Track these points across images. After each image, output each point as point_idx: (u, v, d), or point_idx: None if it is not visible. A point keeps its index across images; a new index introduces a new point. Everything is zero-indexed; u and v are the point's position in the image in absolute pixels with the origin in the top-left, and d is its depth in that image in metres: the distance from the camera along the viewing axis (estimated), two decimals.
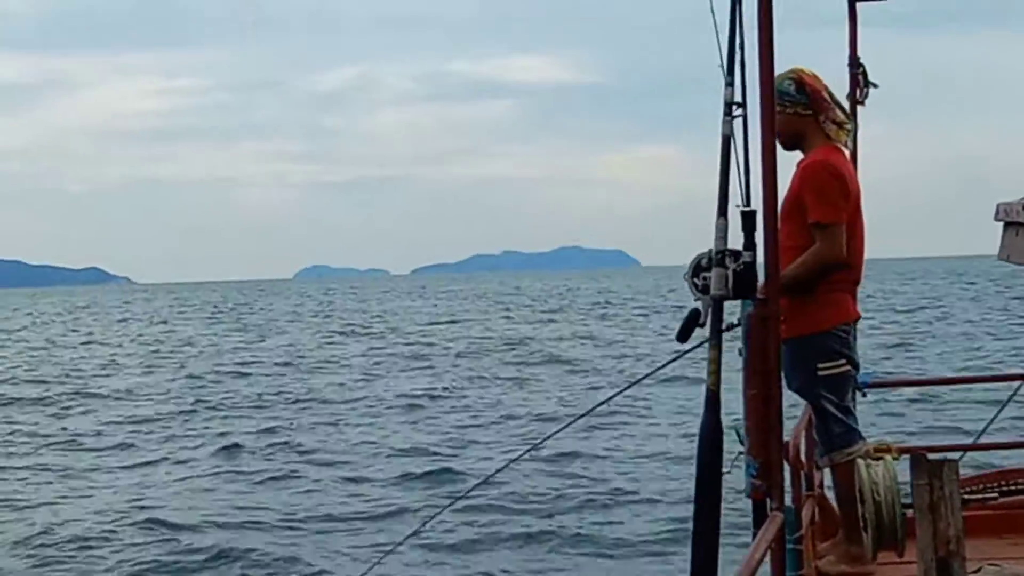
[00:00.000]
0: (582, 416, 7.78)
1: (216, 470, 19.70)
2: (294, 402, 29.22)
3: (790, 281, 6.17)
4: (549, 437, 7.97)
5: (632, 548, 13.90)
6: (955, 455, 6.90)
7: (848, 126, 6.71)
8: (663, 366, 6.75)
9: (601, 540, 14.33)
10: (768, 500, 4.86)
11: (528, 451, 8.46)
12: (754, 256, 4.91)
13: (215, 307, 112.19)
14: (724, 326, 5.02)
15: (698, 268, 4.95)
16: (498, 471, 9.31)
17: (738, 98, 4.89)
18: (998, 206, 5.16)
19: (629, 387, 7.32)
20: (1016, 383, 8.57)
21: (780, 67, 4.98)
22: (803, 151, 6.52)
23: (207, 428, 24.88)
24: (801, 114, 6.47)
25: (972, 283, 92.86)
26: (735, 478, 5.07)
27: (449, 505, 9.63)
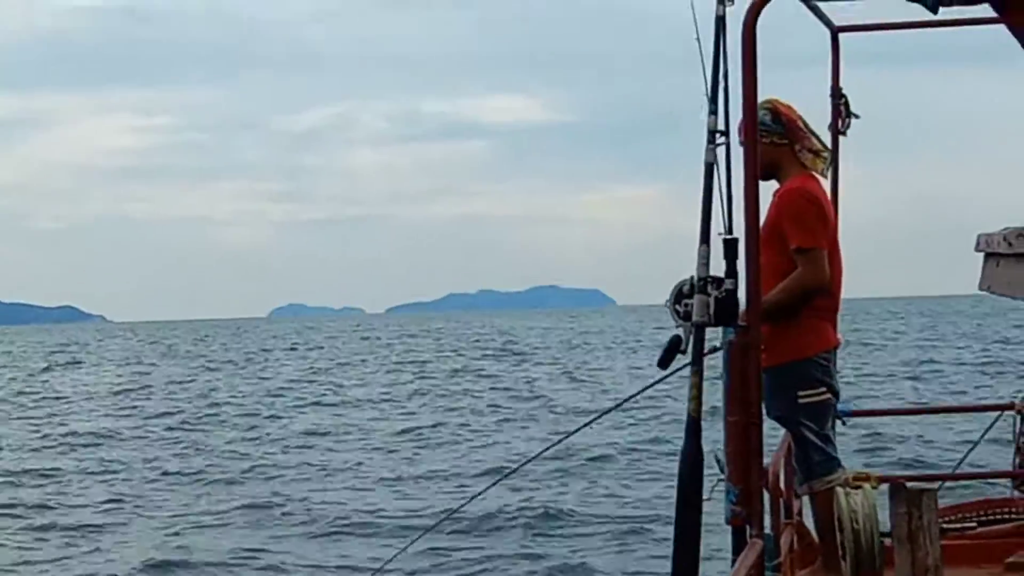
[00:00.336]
0: (551, 447, 7.76)
1: (212, 512, 19.36)
2: (283, 443, 28.56)
3: (773, 307, 6.17)
4: (522, 466, 7.93)
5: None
6: (934, 485, 6.89)
7: (825, 154, 6.69)
8: (637, 394, 6.75)
9: (583, 570, 14.22)
10: (748, 527, 4.85)
11: (496, 483, 8.42)
12: (736, 284, 4.90)
13: (195, 344, 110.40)
14: (706, 350, 5.00)
15: (679, 295, 4.94)
16: (462, 506, 9.16)
17: (721, 127, 4.88)
18: (979, 237, 5.18)
19: (600, 416, 7.32)
20: (995, 414, 8.56)
21: (762, 97, 4.99)
22: (779, 180, 6.53)
23: (206, 468, 24.44)
24: (777, 143, 6.46)
25: (952, 321, 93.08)
26: (716, 505, 5.07)
27: (411, 542, 9.52)
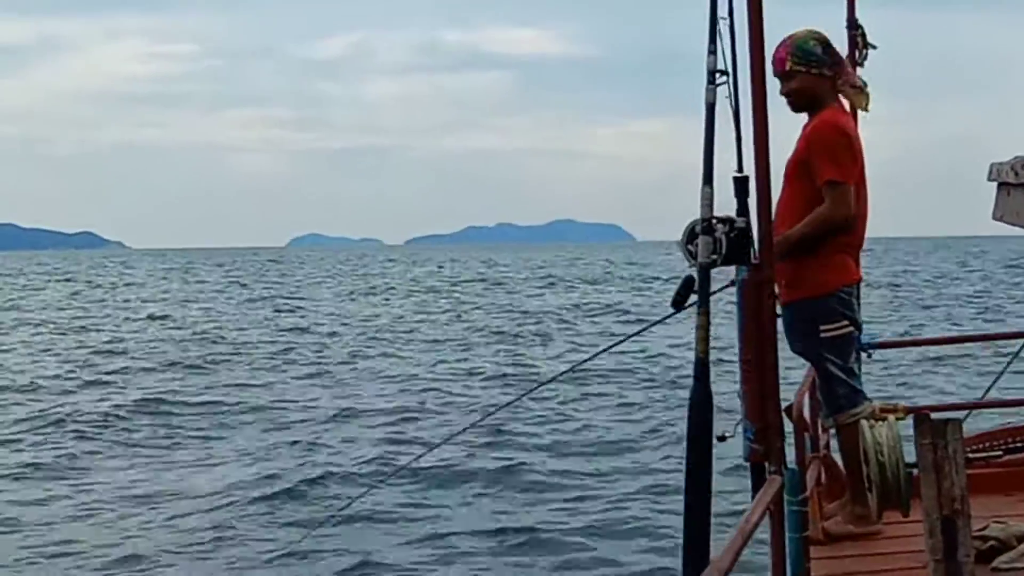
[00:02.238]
0: (541, 384, 7.67)
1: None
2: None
3: (797, 241, 6.15)
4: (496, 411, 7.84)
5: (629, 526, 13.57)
6: (959, 414, 6.78)
7: (867, 91, 6.53)
8: (640, 331, 6.71)
9: (592, 511, 14.09)
10: (766, 464, 4.80)
11: (473, 424, 8.30)
12: (748, 222, 4.83)
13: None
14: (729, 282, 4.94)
15: (692, 235, 4.87)
16: (437, 445, 8.92)
17: (721, 66, 4.79)
18: (991, 166, 5.04)
19: (602, 351, 7.24)
20: (1021, 341, 8.42)
21: (769, 34, 4.86)
22: (812, 113, 6.39)
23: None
24: (825, 75, 6.33)
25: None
26: (737, 443, 5.01)
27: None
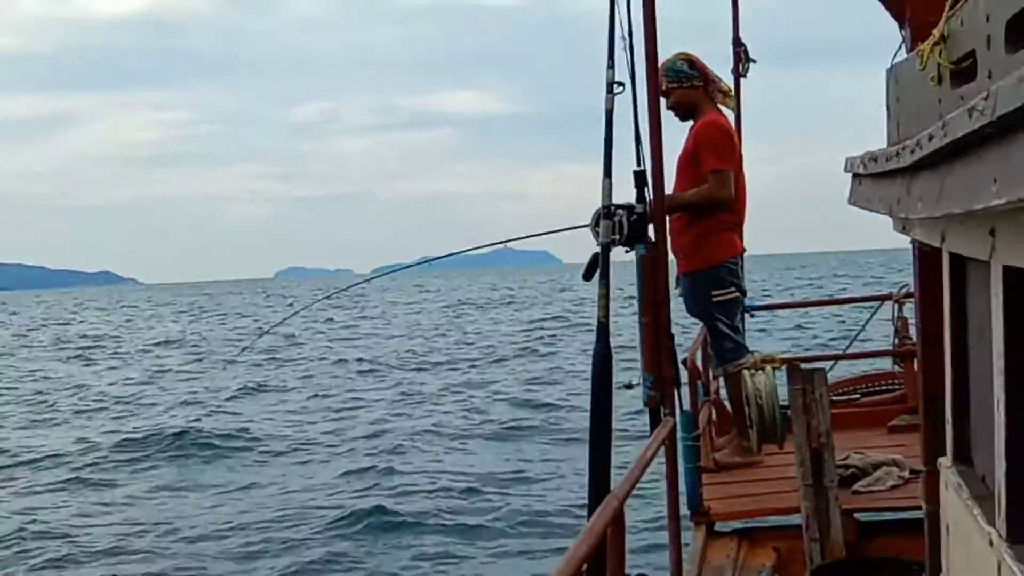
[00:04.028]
0: None
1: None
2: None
3: (685, 203, 6.75)
4: None
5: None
6: (825, 365, 7.25)
7: (731, 94, 7.21)
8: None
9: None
10: (661, 408, 5.18)
11: None
12: (645, 208, 5.21)
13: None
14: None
15: (598, 220, 5.21)
16: None
17: (619, 78, 5.13)
18: (847, 160, 5.52)
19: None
20: (877, 303, 9.02)
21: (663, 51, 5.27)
22: (695, 118, 7.02)
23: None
24: (696, 86, 6.97)
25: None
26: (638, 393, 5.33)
27: None
